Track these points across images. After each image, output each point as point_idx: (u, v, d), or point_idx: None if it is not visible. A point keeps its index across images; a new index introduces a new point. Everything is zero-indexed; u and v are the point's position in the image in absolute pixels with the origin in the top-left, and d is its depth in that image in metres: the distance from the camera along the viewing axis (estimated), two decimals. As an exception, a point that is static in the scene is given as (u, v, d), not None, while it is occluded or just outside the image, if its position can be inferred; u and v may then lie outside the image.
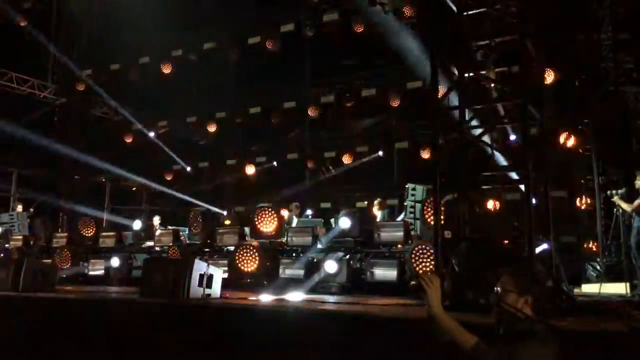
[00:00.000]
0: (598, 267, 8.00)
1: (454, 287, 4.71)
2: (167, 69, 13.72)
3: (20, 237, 10.84)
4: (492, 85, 5.89)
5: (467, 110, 5.64)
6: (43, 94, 15.23)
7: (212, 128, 14.33)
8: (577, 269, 7.84)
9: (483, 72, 5.72)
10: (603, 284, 7.08)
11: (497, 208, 5.84)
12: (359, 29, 11.50)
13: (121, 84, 14.53)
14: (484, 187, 5.73)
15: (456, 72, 5.73)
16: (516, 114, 5.52)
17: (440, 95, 5.74)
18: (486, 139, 5.66)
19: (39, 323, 6.40)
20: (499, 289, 2.85)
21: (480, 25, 5.57)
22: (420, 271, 2.69)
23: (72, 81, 15.03)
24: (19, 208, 13.43)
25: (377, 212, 9.68)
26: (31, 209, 13.79)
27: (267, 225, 8.40)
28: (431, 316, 2.74)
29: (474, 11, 5.56)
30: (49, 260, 9.06)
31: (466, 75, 5.64)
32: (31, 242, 10.66)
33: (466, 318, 4.06)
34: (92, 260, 9.63)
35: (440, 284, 2.77)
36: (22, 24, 14.02)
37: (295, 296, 6.53)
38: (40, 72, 15.39)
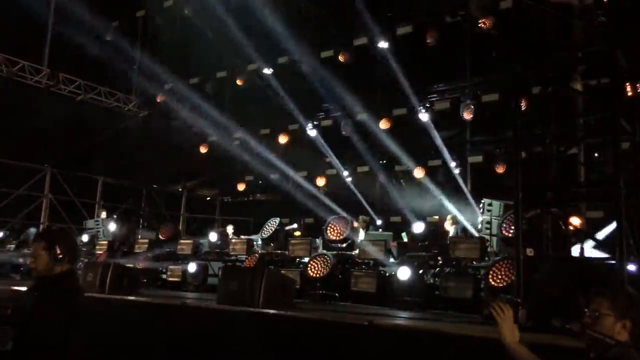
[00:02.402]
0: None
1: (537, 308, 4.53)
2: (241, 82, 14.25)
3: (105, 242, 11.45)
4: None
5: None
6: (127, 107, 16.10)
7: (284, 140, 14.63)
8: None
9: (569, 83, 5.49)
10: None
11: (581, 225, 5.59)
12: (432, 42, 11.41)
13: (198, 97, 15.14)
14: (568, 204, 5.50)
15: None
16: (604, 128, 5.27)
17: (520, 106, 5.58)
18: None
19: (124, 324, 6.72)
20: (592, 311, 2.71)
21: (567, 35, 5.37)
22: (492, 302, 2.61)
23: (154, 95, 15.82)
24: (103, 214, 14.25)
25: (450, 228, 9.50)
26: (114, 216, 14.58)
27: (339, 237, 8.44)
28: (504, 346, 2.67)
29: (561, 22, 5.38)
30: (132, 265, 9.50)
31: (550, 87, 5.46)
32: (115, 247, 11.22)
33: (551, 341, 3.90)
34: (170, 267, 10.00)
35: (513, 313, 2.68)
36: (109, 38, 14.95)
37: (368, 310, 6.50)
38: (125, 86, 16.30)
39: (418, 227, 7.98)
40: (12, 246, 11.83)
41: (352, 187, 14.02)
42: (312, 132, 14.27)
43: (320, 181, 14.47)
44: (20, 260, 11.55)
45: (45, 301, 2.82)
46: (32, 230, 12.49)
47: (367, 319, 5.33)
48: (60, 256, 2.89)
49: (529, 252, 5.07)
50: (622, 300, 2.65)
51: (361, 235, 9.71)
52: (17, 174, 15.53)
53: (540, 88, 5.53)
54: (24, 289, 3.39)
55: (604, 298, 2.67)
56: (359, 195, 13.74)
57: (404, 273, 7.25)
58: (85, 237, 11.82)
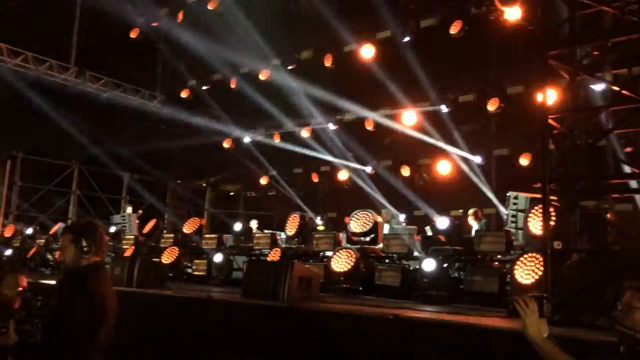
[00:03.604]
0: None
1: (566, 302, 4.46)
2: (264, 77, 14.32)
3: (132, 236, 11.62)
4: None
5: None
6: (153, 103, 16.31)
7: (306, 134, 14.65)
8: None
9: (599, 74, 5.38)
10: None
11: (611, 218, 5.47)
12: (457, 33, 11.29)
13: (222, 93, 15.25)
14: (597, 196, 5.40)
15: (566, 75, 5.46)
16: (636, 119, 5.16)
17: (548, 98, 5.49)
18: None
19: (151, 318, 6.83)
20: (623, 305, 2.67)
21: (597, 24, 5.25)
22: (517, 299, 2.66)
23: (178, 91, 15.99)
24: (129, 210, 14.50)
25: (473, 222, 9.42)
26: (140, 211, 14.82)
27: (364, 231, 8.42)
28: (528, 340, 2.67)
29: (590, 10, 5.26)
30: (158, 259, 9.63)
31: (578, 78, 5.35)
32: (141, 242, 11.38)
33: (580, 335, 3.85)
34: (195, 261, 10.11)
35: (538, 307, 2.68)
36: (134, 36, 15.13)
37: (392, 304, 6.49)
38: (150, 83, 16.50)
39: (442, 223, 7.91)
40: (42, 241, 12.09)
41: (372, 182, 13.99)
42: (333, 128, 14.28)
43: (343, 175, 14.46)
44: (49, 255, 11.83)
45: (72, 293, 2.86)
46: (62, 225, 12.75)
47: (392, 312, 5.32)
48: (87, 248, 2.93)
49: (557, 245, 4.99)
50: None
51: (385, 229, 9.68)
52: (46, 171, 15.89)
53: (568, 79, 5.42)
54: (53, 282, 3.46)
55: (635, 291, 2.63)
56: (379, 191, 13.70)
57: (429, 264, 7.21)
58: (112, 229, 12.02)
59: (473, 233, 8.37)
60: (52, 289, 3.45)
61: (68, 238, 3.01)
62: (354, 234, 8.56)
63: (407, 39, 11.97)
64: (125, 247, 11.09)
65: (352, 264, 7.94)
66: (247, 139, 15.69)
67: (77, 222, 3.28)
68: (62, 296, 2.85)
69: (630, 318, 2.56)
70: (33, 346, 2.79)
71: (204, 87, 15.78)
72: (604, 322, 2.77)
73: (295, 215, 9.60)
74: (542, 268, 5.49)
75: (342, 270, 8.00)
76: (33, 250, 11.89)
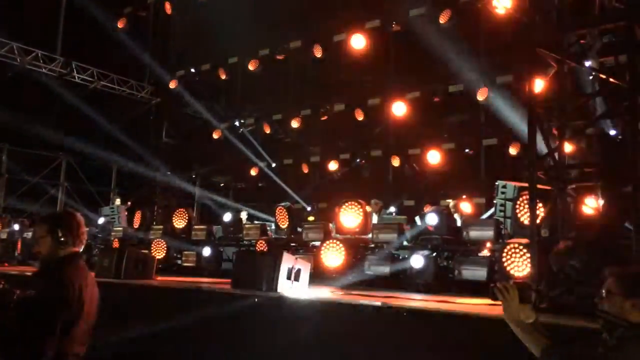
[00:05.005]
0: None
1: (552, 290, 4.49)
2: (253, 67, 14.21)
3: (120, 228, 11.56)
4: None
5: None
6: (140, 94, 16.17)
7: (296, 124, 14.60)
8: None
9: (587, 62, 5.38)
10: None
11: (597, 206, 5.49)
12: (446, 22, 11.26)
13: (211, 82, 15.14)
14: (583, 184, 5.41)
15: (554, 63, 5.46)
16: (620, 108, 5.17)
17: (535, 87, 5.49)
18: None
19: (140, 309, 6.80)
20: (604, 291, 2.72)
21: (585, 12, 5.25)
22: (497, 284, 2.84)
23: (166, 81, 15.86)
24: (118, 201, 14.41)
25: (456, 215, 9.45)
26: (128, 202, 14.73)
27: (353, 221, 8.42)
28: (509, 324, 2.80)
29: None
30: (147, 251, 9.59)
31: (566, 66, 5.35)
32: (130, 234, 11.33)
33: (567, 322, 3.87)
34: (184, 252, 10.07)
35: (524, 294, 2.80)
36: (121, 25, 14.96)
37: (381, 293, 6.51)
38: (138, 73, 16.35)
39: (431, 219, 7.84)
40: (29, 234, 11.99)
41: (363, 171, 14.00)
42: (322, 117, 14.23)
43: (333, 165, 14.44)
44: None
45: (48, 285, 2.83)
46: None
47: (381, 300, 5.34)
48: (63, 239, 2.90)
49: (544, 233, 5.02)
50: (630, 279, 2.65)
51: (375, 219, 9.68)
52: (33, 163, 15.74)
53: (556, 67, 5.42)
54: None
55: (615, 278, 2.68)
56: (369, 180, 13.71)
57: (417, 261, 7.22)
58: (101, 221, 11.95)
59: (459, 223, 8.39)
60: (28, 280, 3.41)
61: (44, 229, 2.99)
62: (344, 224, 8.55)
63: (395, 28, 11.90)
64: (113, 238, 11.03)
65: (341, 257, 7.94)
66: (239, 130, 15.60)
67: (52, 213, 3.25)
68: (38, 287, 2.83)
69: (610, 303, 2.60)
70: (7, 338, 2.74)
71: (193, 78, 15.64)
72: (588, 309, 2.81)
73: (282, 206, 9.58)
74: (529, 256, 5.52)
75: (332, 265, 8.00)
76: (20, 243, 11.79)
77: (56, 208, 16.07)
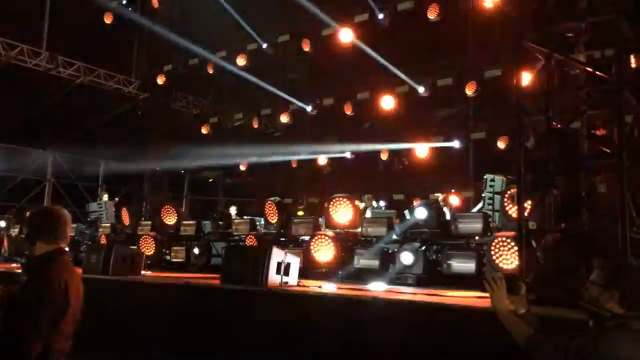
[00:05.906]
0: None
1: (540, 281, 4.52)
2: (242, 62, 14.12)
3: (108, 224, 11.47)
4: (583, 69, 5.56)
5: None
6: (128, 89, 16.03)
7: (285, 119, 14.56)
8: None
9: (572, 55, 5.40)
10: None
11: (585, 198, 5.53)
12: (434, 16, 11.25)
13: (199, 77, 15.04)
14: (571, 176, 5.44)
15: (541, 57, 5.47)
16: (606, 101, 5.20)
17: (523, 80, 5.51)
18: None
19: (128, 305, 6.76)
20: (590, 282, 2.76)
21: (571, 5, 5.26)
22: (486, 277, 2.99)
23: (154, 76, 15.74)
24: (105, 197, 14.27)
25: (445, 208, 9.48)
26: (116, 198, 14.62)
27: (343, 215, 8.42)
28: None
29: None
30: (135, 247, 9.53)
31: (553, 59, 5.37)
32: (118, 230, 11.25)
33: (555, 313, 3.91)
34: (173, 248, 10.02)
35: (513, 286, 2.92)
36: (108, 21, 14.79)
37: (373, 286, 6.53)
38: (125, 68, 16.20)
39: (420, 213, 7.85)
40: (16, 230, 11.88)
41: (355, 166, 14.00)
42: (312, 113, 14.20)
43: (323, 160, 14.44)
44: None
45: (32, 280, 2.81)
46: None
47: (371, 294, 5.35)
48: (46, 236, 2.87)
49: (532, 225, 5.05)
50: (609, 271, 2.69)
51: (367, 213, 9.70)
52: (20, 158, 15.55)
53: (543, 61, 5.44)
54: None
55: (600, 269, 2.73)
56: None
57: (407, 258, 7.23)
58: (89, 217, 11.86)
59: (448, 217, 8.42)
60: (15, 276, 3.39)
61: (27, 225, 3.00)
62: (334, 219, 8.55)
63: (384, 22, 11.87)
64: (101, 234, 10.96)
65: (331, 252, 7.94)
66: (228, 124, 15.53)
67: (35, 210, 3.20)
68: (23, 284, 2.81)
69: (594, 294, 2.64)
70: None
71: (181, 72, 15.53)
72: (575, 300, 2.86)
73: (271, 201, 9.56)
74: (517, 249, 5.55)
75: (322, 259, 7.99)
76: (6, 239, 11.66)
77: (43, 204, 15.92)
